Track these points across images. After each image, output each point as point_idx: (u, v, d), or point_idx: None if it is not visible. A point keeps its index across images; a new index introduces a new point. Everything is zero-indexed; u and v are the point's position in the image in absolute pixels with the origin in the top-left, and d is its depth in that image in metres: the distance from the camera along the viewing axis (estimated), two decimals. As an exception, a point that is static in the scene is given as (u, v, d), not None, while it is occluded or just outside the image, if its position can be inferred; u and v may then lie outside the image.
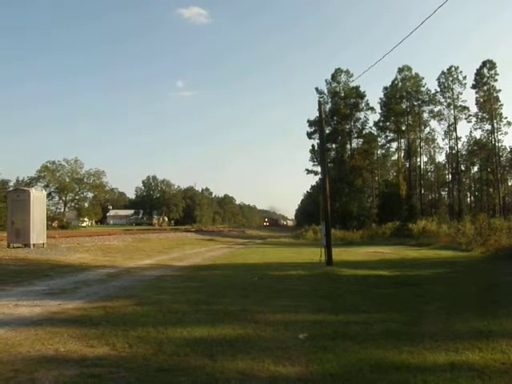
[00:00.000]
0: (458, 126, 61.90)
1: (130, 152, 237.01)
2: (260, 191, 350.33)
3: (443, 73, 61.05)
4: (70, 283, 10.84)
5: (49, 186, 78.03)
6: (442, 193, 76.48)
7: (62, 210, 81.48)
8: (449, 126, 62.18)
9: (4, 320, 6.64)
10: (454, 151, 63.94)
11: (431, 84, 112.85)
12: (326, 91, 63.08)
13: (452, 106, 60.77)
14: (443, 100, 61.23)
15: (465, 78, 60.30)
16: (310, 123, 62.38)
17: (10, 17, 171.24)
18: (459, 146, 64.39)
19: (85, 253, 19.41)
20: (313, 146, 64.02)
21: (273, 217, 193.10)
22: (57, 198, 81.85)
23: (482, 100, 60.10)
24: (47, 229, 22.01)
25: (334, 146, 62.72)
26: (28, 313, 7.21)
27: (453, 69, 60.61)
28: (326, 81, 63.45)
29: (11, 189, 41.71)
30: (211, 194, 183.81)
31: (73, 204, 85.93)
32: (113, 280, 11.71)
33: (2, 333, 5.86)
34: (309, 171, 65.70)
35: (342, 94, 62.48)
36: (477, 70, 60.21)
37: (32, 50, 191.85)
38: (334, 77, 62.76)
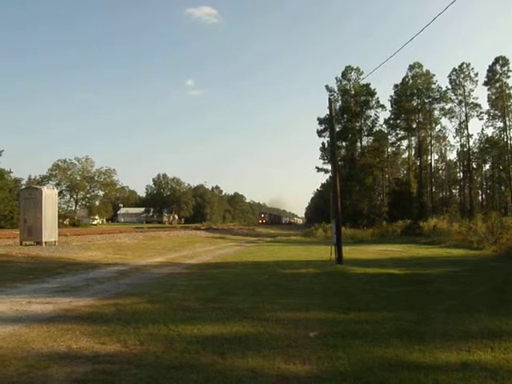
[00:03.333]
0: (469, 124, 61.52)
1: (141, 150, 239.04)
2: (270, 189, 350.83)
3: (454, 70, 60.59)
4: (81, 281, 10.93)
5: (60, 185, 78.64)
6: (453, 191, 75.97)
7: (74, 208, 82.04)
8: (460, 123, 61.75)
9: (17, 317, 6.71)
10: (465, 149, 63.44)
11: (442, 81, 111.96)
12: (336, 89, 62.96)
13: (463, 104, 60.29)
14: (454, 97, 60.78)
15: (476, 74, 59.85)
16: (320, 121, 62.28)
17: (17, 11, 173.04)
18: (471, 143, 63.89)
19: (96, 250, 19.55)
20: (323, 143, 63.98)
21: (276, 212, 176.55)
22: (68, 196, 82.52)
23: (494, 97, 59.54)
24: (59, 227, 22.20)
25: (344, 143, 62.49)
26: (40, 310, 7.28)
27: (464, 66, 60.10)
28: (336, 78, 63.35)
29: (23, 187, 42.11)
30: (221, 192, 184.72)
31: (84, 202, 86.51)
32: (124, 277, 11.78)
33: (16, 329, 5.93)
34: (319, 169, 65.66)
35: (353, 92, 62.27)
36: (489, 66, 59.64)
37: (42, 44, 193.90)
38: (344, 74, 62.57)
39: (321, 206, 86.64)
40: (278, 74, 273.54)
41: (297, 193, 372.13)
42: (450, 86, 60.67)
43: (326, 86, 63.18)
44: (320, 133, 63.47)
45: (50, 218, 20.04)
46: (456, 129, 62.81)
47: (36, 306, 7.55)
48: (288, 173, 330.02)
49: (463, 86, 60.08)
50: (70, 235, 25.99)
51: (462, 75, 60.05)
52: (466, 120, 60.88)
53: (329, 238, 22.11)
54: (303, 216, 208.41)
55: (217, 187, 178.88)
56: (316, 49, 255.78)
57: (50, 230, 19.87)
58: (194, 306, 7.69)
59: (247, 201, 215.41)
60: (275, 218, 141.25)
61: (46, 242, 19.46)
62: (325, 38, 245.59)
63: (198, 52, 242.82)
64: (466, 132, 62.00)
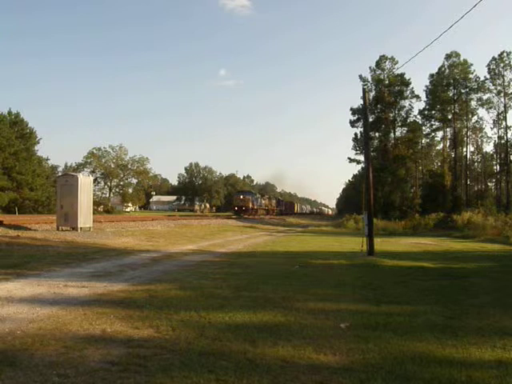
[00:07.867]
0: (508, 115, 59.58)
1: (174, 138, 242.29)
2: (300, 178, 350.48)
3: (494, 59, 58.50)
4: (115, 266, 11.17)
5: (95, 172, 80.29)
6: (489, 184, 74.04)
7: (107, 195, 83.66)
8: (498, 114, 59.92)
9: (55, 299, 6.93)
10: (503, 141, 61.53)
11: (480, 71, 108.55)
12: (369, 79, 61.85)
13: (502, 94, 58.31)
14: (493, 87, 58.82)
15: (517, 63, 57.68)
16: (353, 111, 61.45)
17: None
18: (509, 135, 61.87)
19: (129, 237, 19.92)
20: (355, 134, 63.19)
21: (287, 197, 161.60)
22: (102, 183, 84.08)
23: (535, 87, 57.39)
24: (93, 213, 22.70)
25: (377, 134, 61.52)
26: (76, 293, 7.49)
27: (504, 54, 58.01)
28: (370, 68, 62.14)
29: (60, 174, 43.23)
30: (252, 181, 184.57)
31: (117, 189, 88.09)
32: (156, 264, 11.99)
33: (54, 311, 6.13)
34: (351, 160, 64.89)
35: (387, 82, 61.10)
36: (531, 55, 57.39)
37: (83, 25, 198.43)
38: (378, 64, 61.35)
39: (352, 197, 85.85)
40: (311, 63, 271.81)
41: (328, 183, 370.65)
42: (488, 76, 58.83)
43: (360, 76, 62.21)
44: (353, 123, 62.70)
45: (86, 204, 20.52)
46: (494, 120, 61.13)
47: (72, 290, 7.77)
48: (320, 163, 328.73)
49: (503, 76, 58.05)
50: (104, 222, 26.53)
51: (501, 64, 58.00)
52: (505, 111, 58.98)
53: (360, 229, 21.94)
54: (334, 207, 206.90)
55: (248, 176, 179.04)
56: (352, 37, 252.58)
57: (85, 216, 20.36)
58: (225, 294, 7.76)
59: (278, 191, 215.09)
60: (280, 204, 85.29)
61: (81, 228, 19.97)
62: (359, 27, 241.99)
63: (229, 41, 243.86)
64: (504, 123, 60.12)
